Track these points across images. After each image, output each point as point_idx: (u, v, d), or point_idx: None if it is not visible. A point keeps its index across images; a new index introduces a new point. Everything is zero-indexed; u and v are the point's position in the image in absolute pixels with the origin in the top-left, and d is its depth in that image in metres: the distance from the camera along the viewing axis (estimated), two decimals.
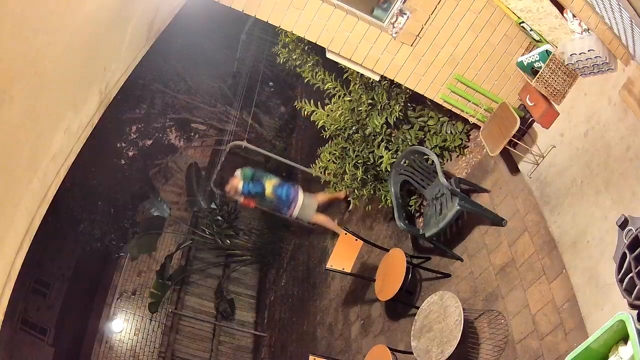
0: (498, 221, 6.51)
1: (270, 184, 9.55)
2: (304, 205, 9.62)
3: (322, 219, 9.99)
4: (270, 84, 18.47)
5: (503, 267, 6.22)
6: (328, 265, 8.21)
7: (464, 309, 5.74)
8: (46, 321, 14.22)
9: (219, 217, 14.53)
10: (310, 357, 7.68)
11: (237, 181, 9.51)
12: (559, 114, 6.13)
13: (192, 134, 17.48)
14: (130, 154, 15.91)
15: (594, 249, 5.05)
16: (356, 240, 8.04)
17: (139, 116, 16.07)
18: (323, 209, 10.26)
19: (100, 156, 13.50)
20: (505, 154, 6.66)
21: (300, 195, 9.63)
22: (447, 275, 7.08)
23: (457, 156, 7.79)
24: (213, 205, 14.61)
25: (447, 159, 7.88)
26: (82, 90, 5.25)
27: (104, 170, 14.06)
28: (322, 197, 9.99)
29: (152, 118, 16.27)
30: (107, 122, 11.57)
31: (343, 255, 8.15)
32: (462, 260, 6.92)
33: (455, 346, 5.59)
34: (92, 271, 15.15)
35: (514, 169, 6.64)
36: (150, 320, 14.07)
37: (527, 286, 5.78)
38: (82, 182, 12.82)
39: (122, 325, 14.18)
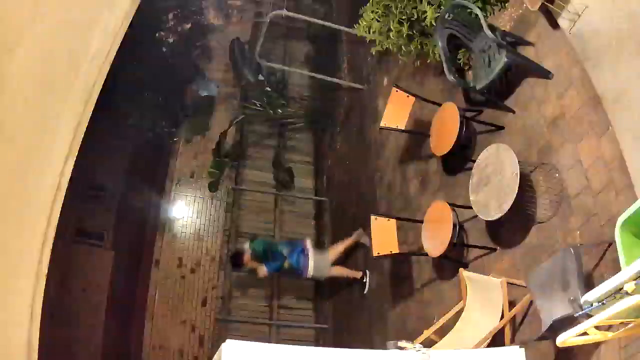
0: (545, 74, 6.45)
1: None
2: (316, 264, 10.21)
3: (338, 271, 10.43)
4: None
5: (553, 119, 6.24)
6: (382, 124, 8.43)
7: (519, 162, 5.86)
8: (104, 225, 13.96)
9: (268, 89, 14.57)
10: (371, 217, 7.97)
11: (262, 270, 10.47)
12: None
13: (230, 11, 17.17)
14: (171, 40, 15.77)
15: (635, 109, 5.06)
16: (408, 96, 8.15)
17: (173, 2, 15.78)
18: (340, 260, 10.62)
19: (141, 50, 13.29)
20: (545, 10, 6.43)
21: (311, 254, 10.23)
22: (501, 128, 7.14)
23: (499, 10, 7.58)
24: (260, 77, 14.57)
25: (490, 13, 7.64)
26: None
27: (148, 59, 14.09)
28: (334, 251, 10.57)
29: (187, 1, 16.02)
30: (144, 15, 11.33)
31: (396, 113, 8.31)
32: (514, 112, 6.95)
33: (513, 199, 5.77)
34: (148, 162, 14.95)
35: (554, 24, 6.46)
36: (212, 200, 14.19)
37: (577, 140, 5.83)
38: (126, 79, 12.60)
39: (184, 211, 14.22)
